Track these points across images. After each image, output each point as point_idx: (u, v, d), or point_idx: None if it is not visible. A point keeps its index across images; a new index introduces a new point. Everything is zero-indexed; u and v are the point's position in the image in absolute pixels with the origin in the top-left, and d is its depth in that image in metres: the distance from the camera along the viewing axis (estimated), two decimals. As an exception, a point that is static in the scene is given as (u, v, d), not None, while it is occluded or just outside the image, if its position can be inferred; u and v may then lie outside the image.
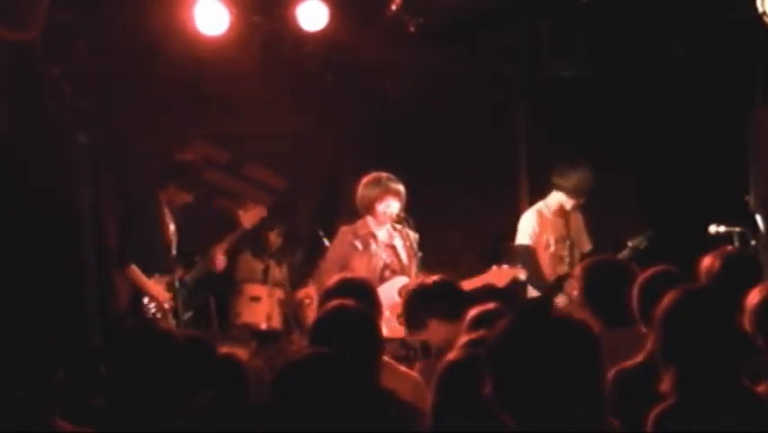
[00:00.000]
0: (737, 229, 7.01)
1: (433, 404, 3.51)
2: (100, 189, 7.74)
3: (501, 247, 8.18)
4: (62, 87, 7.32)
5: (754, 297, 3.76)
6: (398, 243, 7.00)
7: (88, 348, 7.10)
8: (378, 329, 4.06)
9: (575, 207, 7.86)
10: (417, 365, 4.95)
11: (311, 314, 7.49)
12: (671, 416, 3.17)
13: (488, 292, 6.63)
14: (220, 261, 7.60)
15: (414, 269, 6.82)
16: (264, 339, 8.10)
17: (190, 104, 8.16)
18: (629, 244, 7.62)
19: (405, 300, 5.31)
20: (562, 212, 7.84)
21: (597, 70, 8.50)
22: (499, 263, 7.27)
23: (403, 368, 4.71)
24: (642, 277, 4.25)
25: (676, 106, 8.47)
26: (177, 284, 7.31)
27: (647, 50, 8.31)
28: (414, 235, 6.92)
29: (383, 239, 6.99)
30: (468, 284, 6.66)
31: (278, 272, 8.33)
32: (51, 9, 6.66)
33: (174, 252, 7.34)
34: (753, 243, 7.04)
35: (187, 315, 7.51)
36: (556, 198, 7.81)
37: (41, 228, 7.11)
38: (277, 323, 8.07)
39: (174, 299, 7.29)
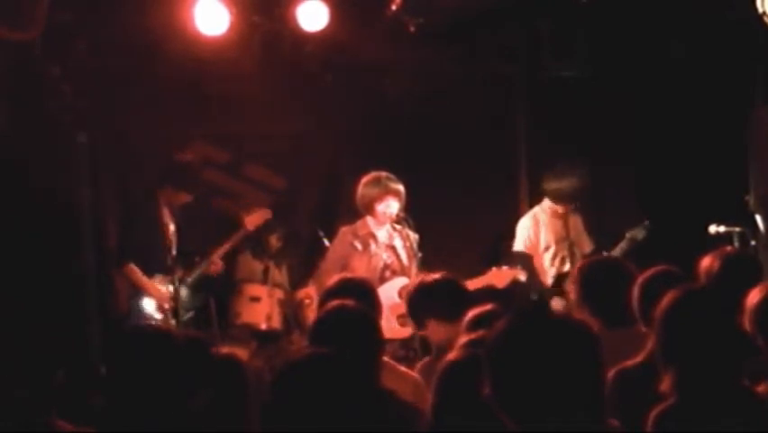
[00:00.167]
0: (737, 229, 7.01)
1: (433, 404, 3.51)
2: (100, 189, 7.76)
3: (501, 247, 8.19)
4: (62, 87, 7.32)
5: (754, 297, 3.76)
6: (398, 243, 7.00)
7: (88, 348, 7.10)
8: (378, 329, 4.06)
9: (571, 210, 7.88)
10: (417, 365, 4.95)
11: (311, 314, 7.49)
12: (671, 416, 3.17)
13: (487, 293, 6.62)
14: (216, 265, 7.61)
15: (414, 269, 6.81)
16: (264, 339, 8.10)
17: (190, 104, 8.16)
18: (627, 234, 7.64)
19: (406, 298, 5.32)
20: (558, 214, 7.85)
21: (597, 70, 8.50)
22: (499, 265, 7.28)
23: (403, 368, 4.71)
24: (642, 277, 4.26)
25: (676, 106, 8.47)
26: (177, 284, 7.31)
27: (647, 50, 8.31)
28: (414, 236, 6.92)
29: (383, 239, 6.98)
30: (468, 285, 6.65)
31: (277, 274, 8.32)
32: (51, 9, 6.67)
33: (174, 252, 7.34)
34: (753, 243, 7.05)
35: (187, 315, 7.51)
36: (548, 202, 7.88)
37: (41, 228, 7.11)
38: (277, 323, 8.06)
39: (174, 299, 7.29)
